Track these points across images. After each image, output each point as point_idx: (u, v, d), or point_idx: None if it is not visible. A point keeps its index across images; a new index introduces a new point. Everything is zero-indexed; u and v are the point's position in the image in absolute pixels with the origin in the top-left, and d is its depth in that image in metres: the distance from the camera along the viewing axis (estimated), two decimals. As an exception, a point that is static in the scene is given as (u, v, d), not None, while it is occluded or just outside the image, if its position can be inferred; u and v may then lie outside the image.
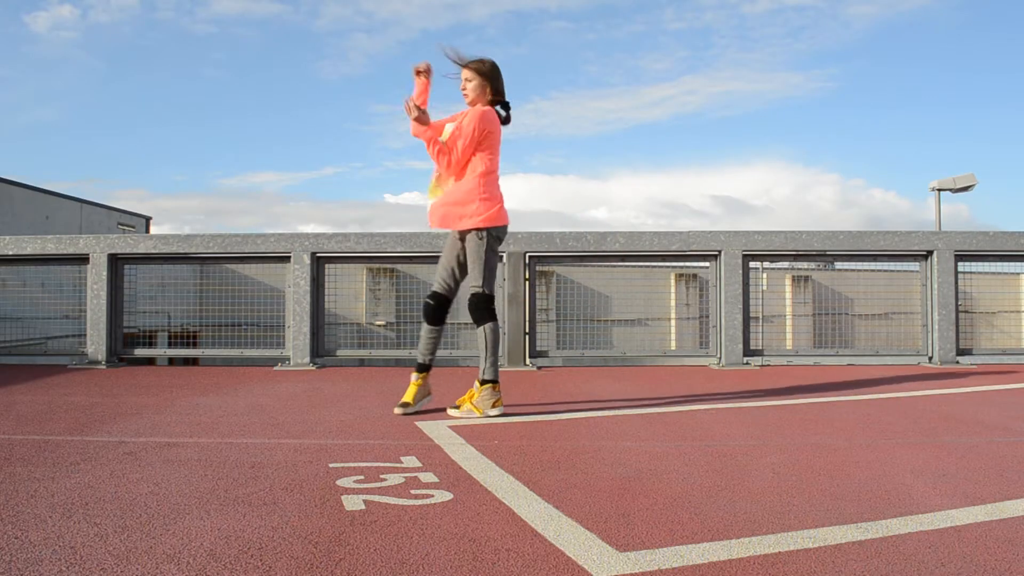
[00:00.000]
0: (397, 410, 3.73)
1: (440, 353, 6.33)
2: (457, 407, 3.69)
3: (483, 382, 3.67)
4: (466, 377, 5.46)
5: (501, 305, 6.19)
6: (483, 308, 3.65)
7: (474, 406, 3.65)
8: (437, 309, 3.74)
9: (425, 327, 3.77)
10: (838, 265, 7.34)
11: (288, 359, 6.17)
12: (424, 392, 3.83)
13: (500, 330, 3.85)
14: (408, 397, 3.77)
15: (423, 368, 3.80)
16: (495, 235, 3.62)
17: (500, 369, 5.94)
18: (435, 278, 3.77)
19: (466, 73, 3.64)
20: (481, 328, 3.66)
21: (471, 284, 3.65)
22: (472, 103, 3.66)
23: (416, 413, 3.77)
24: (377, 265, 7.10)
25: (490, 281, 3.65)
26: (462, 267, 3.72)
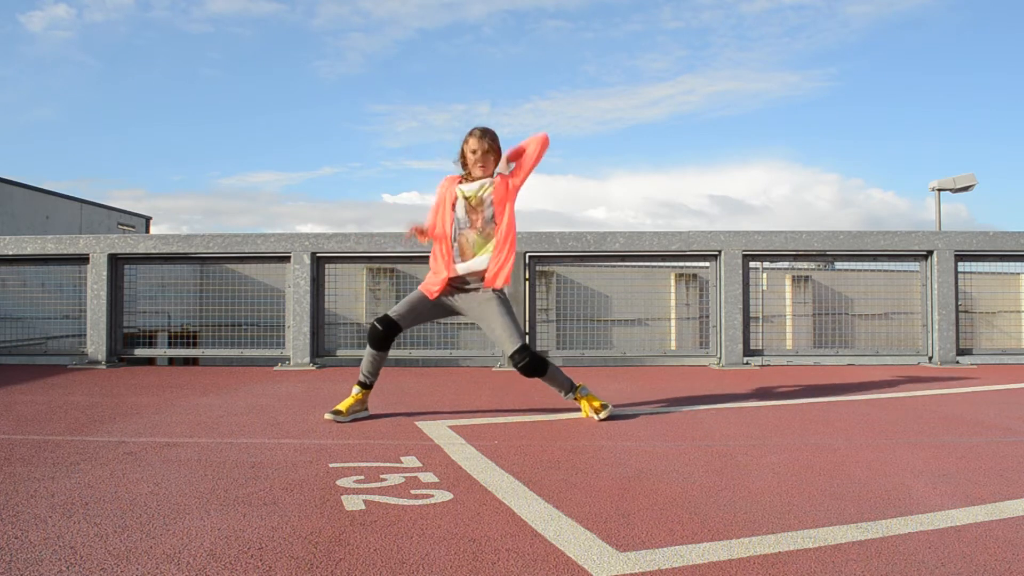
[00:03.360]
0: (328, 415, 3.58)
1: (440, 353, 6.39)
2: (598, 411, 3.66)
3: (581, 394, 3.70)
4: (467, 376, 5.46)
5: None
6: (540, 361, 3.58)
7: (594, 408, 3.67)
8: (386, 338, 3.62)
9: (370, 351, 3.64)
10: (838, 265, 7.33)
11: (288, 359, 6.17)
12: (361, 407, 3.67)
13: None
14: (343, 406, 3.61)
15: (365, 387, 3.68)
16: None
17: (500, 369, 5.95)
18: (396, 307, 3.66)
19: (484, 145, 3.59)
20: (550, 372, 3.62)
21: (513, 344, 3.50)
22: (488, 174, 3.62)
23: (412, 414, 3.78)
24: (377, 265, 7.09)
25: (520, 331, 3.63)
26: (428, 315, 3.72)
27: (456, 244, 3.58)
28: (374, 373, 3.68)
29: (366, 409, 3.71)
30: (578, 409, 3.80)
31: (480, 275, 3.57)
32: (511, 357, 3.51)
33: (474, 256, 3.56)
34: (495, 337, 3.60)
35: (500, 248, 3.53)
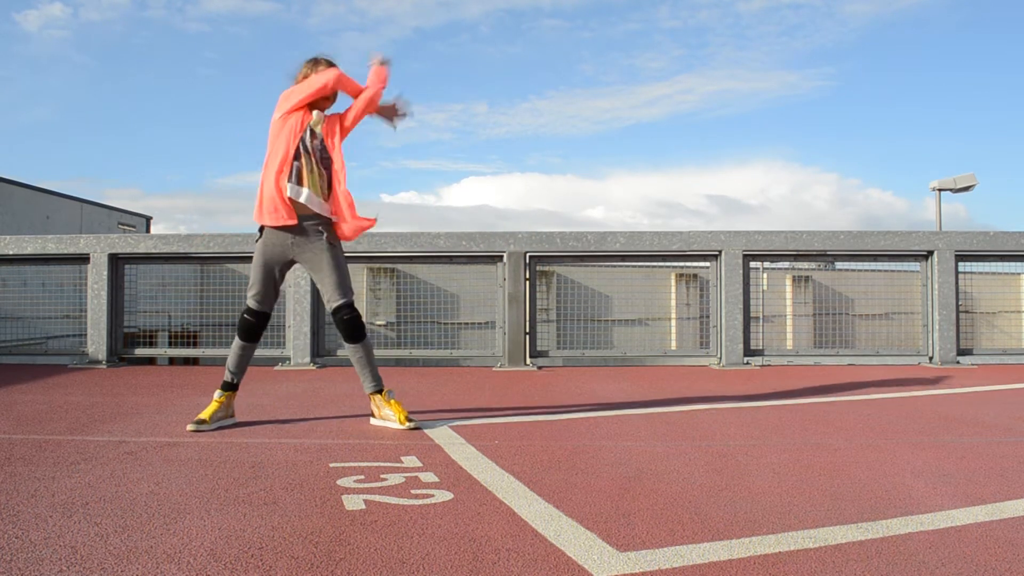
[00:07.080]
0: (190, 427, 3.26)
1: (440, 353, 6.39)
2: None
3: (388, 397, 3.48)
4: (467, 376, 5.46)
5: (501, 305, 6.19)
6: (362, 325, 3.43)
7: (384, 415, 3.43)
8: (261, 327, 3.46)
9: (239, 343, 3.43)
10: (838, 265, 7.34)
11: (288, 359, 6.17)
12: (226, 412, 3.41)
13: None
14: (205, 414, 3.33)
15: (229, 387, 3.43)
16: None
17: (500, 369, 5.95)
18: (253, 291, 3.44)
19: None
20: (366, 344, 3.44)
21: (341, 297, 3.37)
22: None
23: (412, 414, 3.77)
24: (377, 265, 7.10)
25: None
26: (279, 278, 3.50)
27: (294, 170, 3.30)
28: (242, 370, 3.46)
29: (232, 416, 3.47)
30: (577, 407, 3.79)
31: (318, 218, 3.35)
32: (337, 310, 3.37)
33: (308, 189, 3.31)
34: (323, 287, 3.41)
35: (338, 187, 3.33)
